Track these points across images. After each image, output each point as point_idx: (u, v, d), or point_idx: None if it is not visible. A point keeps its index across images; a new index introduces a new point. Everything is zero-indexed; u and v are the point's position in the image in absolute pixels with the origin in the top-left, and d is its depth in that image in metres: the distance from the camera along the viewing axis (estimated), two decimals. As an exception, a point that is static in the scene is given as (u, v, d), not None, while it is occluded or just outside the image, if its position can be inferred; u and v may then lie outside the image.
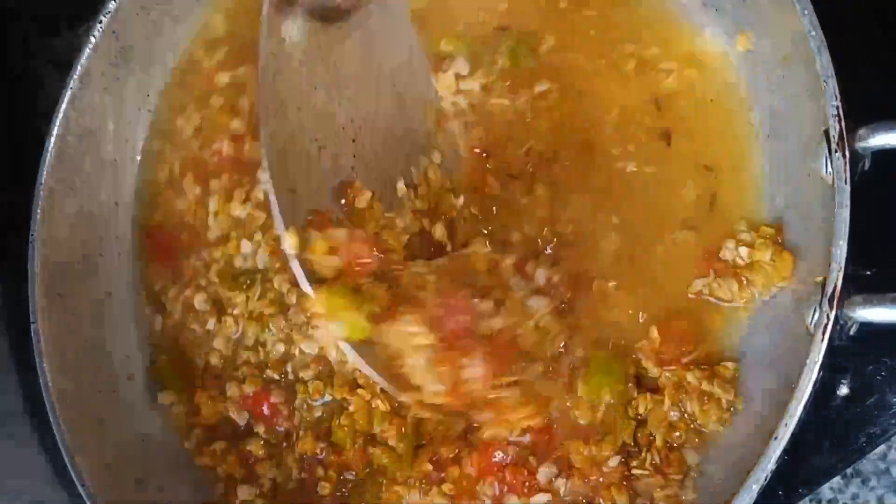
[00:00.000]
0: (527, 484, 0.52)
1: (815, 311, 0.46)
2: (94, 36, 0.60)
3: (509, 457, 0.53)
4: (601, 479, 0.52)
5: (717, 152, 0.55)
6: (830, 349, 0.44)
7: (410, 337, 0.45)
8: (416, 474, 0.55)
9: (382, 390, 0.54)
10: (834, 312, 0.44)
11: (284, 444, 0.59)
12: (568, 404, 0.52)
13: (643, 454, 0.51)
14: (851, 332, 0.46)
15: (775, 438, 0.44)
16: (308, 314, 0.53)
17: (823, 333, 0.44)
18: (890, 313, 0.43)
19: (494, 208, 0.58)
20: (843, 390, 0.55)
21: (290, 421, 0.58)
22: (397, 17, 0.56)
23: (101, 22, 0.60)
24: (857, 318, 0.44)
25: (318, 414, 0.58)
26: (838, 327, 0.44)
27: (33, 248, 0.59)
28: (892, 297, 0.43)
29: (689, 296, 0.54)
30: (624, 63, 0.58)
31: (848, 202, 0.44)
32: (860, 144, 0.44)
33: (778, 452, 0.44)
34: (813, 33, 0.45)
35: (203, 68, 0.66)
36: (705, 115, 0.56)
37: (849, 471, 0.57)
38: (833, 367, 0.54)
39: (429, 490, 0.54)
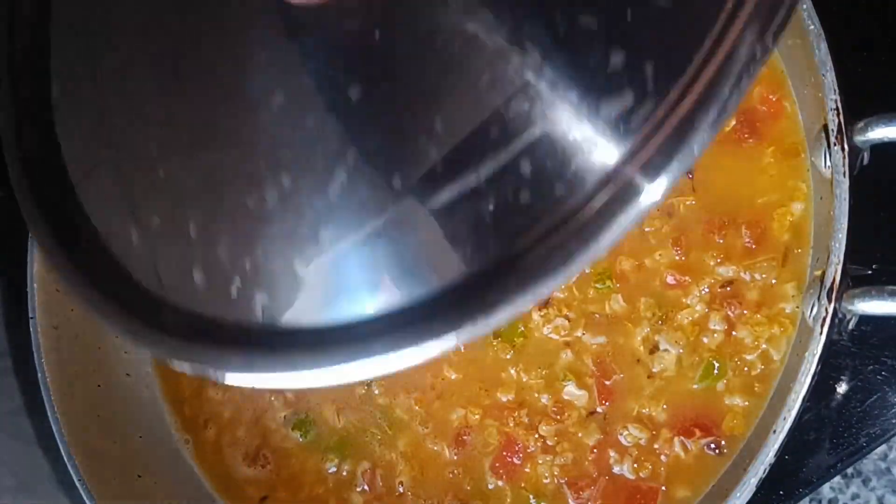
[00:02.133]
0: None
1: (813, 304, 0.46)
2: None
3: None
4: None
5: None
6: (830, 349, 0.44)
7: None
8: None
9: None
10: (833, 305, 0.44)
11: None
12: None
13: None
14: (850, 326, 0.45)
15: (774, 431, 0.44)
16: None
17: (822, 326, 0.44)
18: (888, 306, 0.43)
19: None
20: (843, 389, 0.55)
21: None
22: None
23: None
24: (855, 310, 0.44)
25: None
26: (837, 321, 0.44)
27: (31, 242, 0.59)
28: (891, 290, 0.43)
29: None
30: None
31: (847, 195, 0.44)
32: (859, 138, 0.44)
33: (777, 446, 0.44)
34: (811, 26, 0.45)
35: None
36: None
37: (849, 470, 0.57)
38: (833, 367, 0.54)
39: None
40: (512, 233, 0.32)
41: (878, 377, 0.54)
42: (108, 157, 0.40)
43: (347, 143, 0.34)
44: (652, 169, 0.30)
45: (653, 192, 0.30)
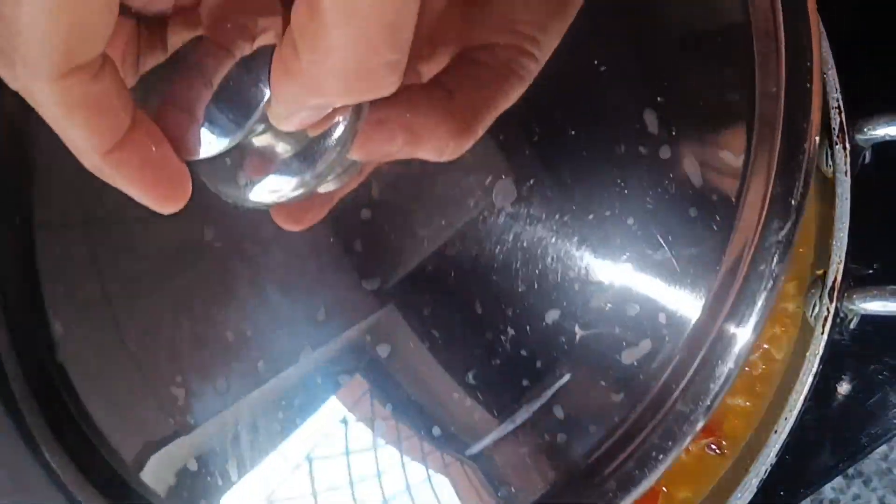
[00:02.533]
0: None
1: (815, 304, 0.46)
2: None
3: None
4: None
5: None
6: (832, 349, 0.44)
7: None
8: None
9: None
10: (834, 305, 0.43)
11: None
12: None
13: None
14: (852, 326, 0.45)
15: (775, 432, 0.44)
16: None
17: (824, 326, 0.44)
18: (890, 305, 0.43)
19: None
20: (845, 390, 0.54)
21: None
22: None
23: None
24: (857, 310, 0.43)
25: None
26: (838, 321, 0.44)
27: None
28: (892, 290, 0.43)
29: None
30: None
31: (848, 194, 0.44)
32: (860, 136, 0.44)
33: (778, 446, 0.43)
34: (813, 24, 0.44)
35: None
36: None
37: (850, 471, 0.57)
38: (834, 367, 0.54)
39: None
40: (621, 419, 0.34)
41: (880, 377, 0.54)
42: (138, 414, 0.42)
43: (387, 397, 0.36)
44: (738, 315, 0.32)
45: (743, 335, 0.31)
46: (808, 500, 0.56)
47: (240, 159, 0.31)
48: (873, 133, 0.44)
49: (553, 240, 0.34)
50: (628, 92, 0.36)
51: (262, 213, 0.32)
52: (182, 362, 0.39)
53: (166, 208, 0.28)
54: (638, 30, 0.36)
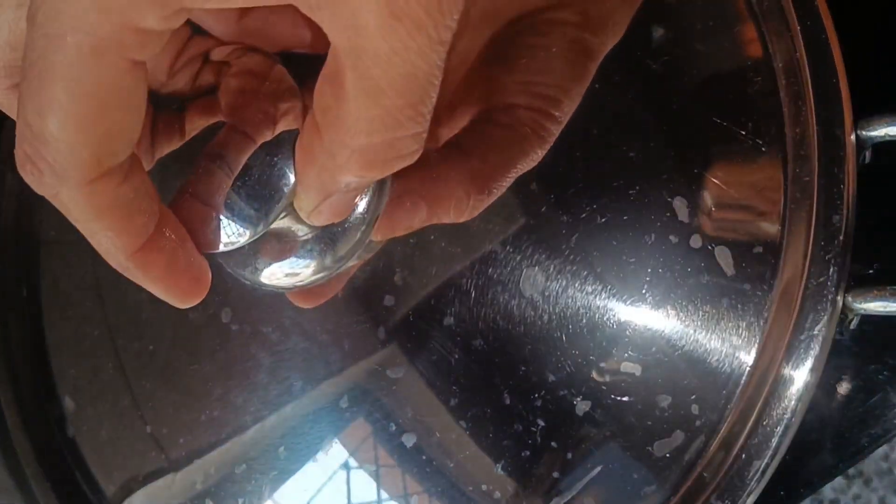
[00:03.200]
0: None
1: (815, 304, 0.46)
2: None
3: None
4: None
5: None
6: (832, 349, 0.44)
7: None
8: None
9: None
10: (834, 305, 0.43)
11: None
12: None
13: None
14: (852, 326, 0.45)
15: (775, 432, 0.43)
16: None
17: (824, 326, 0.43)
18: (890, 305, 0.43)
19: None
20: (845, 390, 0.54)
21: None
22: None
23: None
24: (857, 310, 0.43)
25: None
26: (839, 321, 0.44)
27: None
28: (893, 290, 0.43)
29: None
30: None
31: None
32: (861, 136, 0.44)
33: (778, 446, 0.43)
34: (813, 24, 0.44)
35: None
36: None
37: (851, 471, 0.57)
38: (834, 367, 0.54)
39: None
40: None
41: (880, 377, 0.54)
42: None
43: (412, 488, 0.36)
44: (771, 411, 0.32)
45: (777, 431, 0.32)
46: (808, 500, 0.56)
47: (258, 242, 0.29)
48: (873, 133, 0.44)
49: (583, 330, 0.34)
50: (658, 180, 0.35)
51: (282, 295, 0.32)
52: (201, 445, 0.38)
53: (186, 304, 0.28)
54: (669, 118, 0.36)
